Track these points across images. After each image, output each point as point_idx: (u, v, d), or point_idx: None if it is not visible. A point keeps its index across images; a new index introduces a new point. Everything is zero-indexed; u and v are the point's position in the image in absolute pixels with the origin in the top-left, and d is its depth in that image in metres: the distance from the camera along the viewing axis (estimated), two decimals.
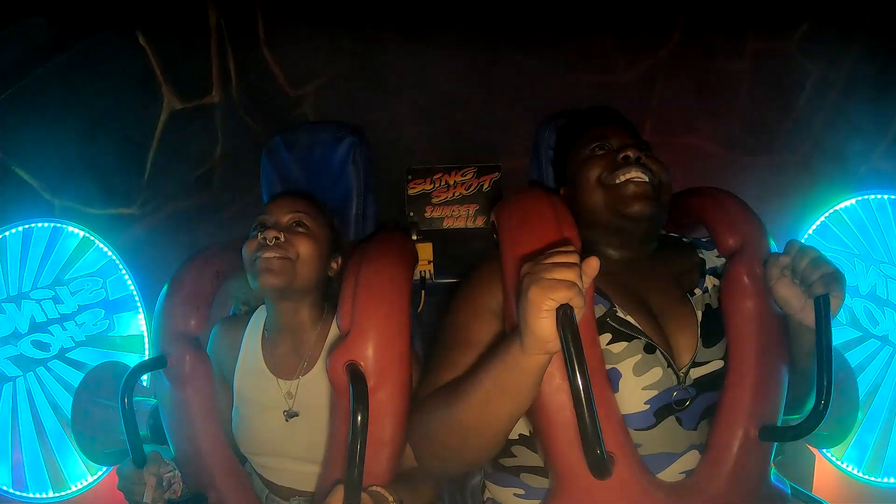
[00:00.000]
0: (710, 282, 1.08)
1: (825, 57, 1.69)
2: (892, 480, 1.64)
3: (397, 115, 1.77)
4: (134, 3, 1.60)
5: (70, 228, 1.62)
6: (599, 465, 0.72)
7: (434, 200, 1.86)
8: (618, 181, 1.03)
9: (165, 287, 1.19)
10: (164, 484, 1.07)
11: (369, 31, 1.72)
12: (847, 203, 1.68)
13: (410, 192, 1.85)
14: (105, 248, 1.64)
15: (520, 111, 1.74)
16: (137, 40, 1.61)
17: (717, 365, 1.00)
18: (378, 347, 1.01)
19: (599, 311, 0.98)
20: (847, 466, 1.66)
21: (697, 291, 1.05)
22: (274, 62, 1.70)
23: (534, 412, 0.91)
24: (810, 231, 1.69)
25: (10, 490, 1.57)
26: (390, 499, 0.97)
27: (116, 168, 1.67)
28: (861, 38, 1.67)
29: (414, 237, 1.71)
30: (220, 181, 1.72)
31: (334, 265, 1.22)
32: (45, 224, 1.60)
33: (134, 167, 1.68)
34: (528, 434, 1.02)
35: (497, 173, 1.85)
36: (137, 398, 1.19)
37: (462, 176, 1.85)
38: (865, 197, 1.67)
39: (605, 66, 1.70)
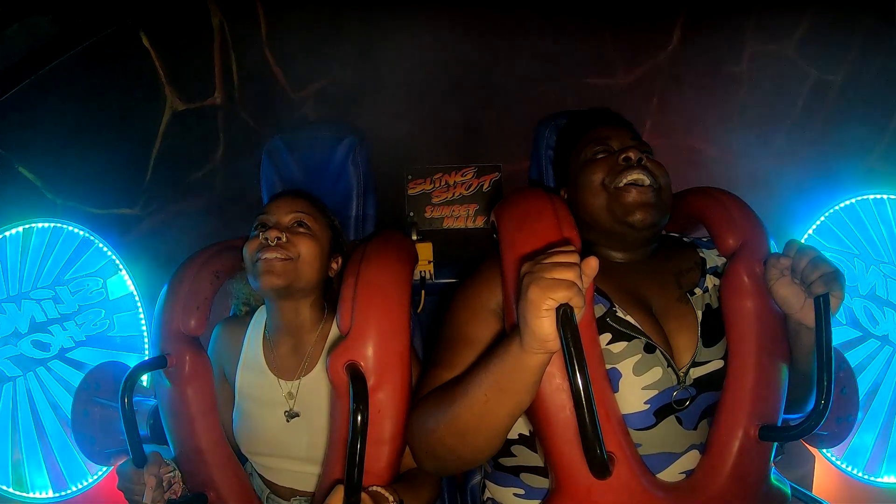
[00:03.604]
0: (710, 281, 1.08)
1: (823, 59, 1.71)
2: (892, 480, 1.64)
3: (397, 115, 1.78)
4: (137, 4, 1.62)
5: (70, 228, 1.62)
6: (599, 465, 0.72)
7: (434, 200, 1.86)
8: (620, 185, 1.03)
9: (165, 287, 1.19)
10: (164, 484, 1.07)
11: (369, 31, 1.73)
12: (847, 203, 1.68)
13: (410, 192, 1.86)
14: (105, 248, 1.64)
15: (520, 111, 1.75)
16: (141, 41, 1.63)
17: (717, 365, 1.00)
18: (378, 347, 1.01)
19: (599, 310, 0.98)
20: (847, 466, 1.66)
21: (698, 291, 1.05)
22: (275, 64, 1.72)
23: (534, 412, 0.91)
24: (810, 231, 1.69)
25: (10, 490, 1.57)
26: (390, 499, 0.97)
27: (119, 168, 1.68)
28: (859, 40, 1.69)
29: (414, 237, 1.71)
30: (221, 183, 1.74)
31: (335, 265, 1.22)
32: (45, 224, 1.60)
33: (136, 168, 1.69)
34: (527, 434, 1.02)
35: (497, 173, 1.85)
36: (137, 398, 1.19)
37: (462, 176, 1.85)
38: (865, 197, 1.67)
39: (604, 70, 1.72)
